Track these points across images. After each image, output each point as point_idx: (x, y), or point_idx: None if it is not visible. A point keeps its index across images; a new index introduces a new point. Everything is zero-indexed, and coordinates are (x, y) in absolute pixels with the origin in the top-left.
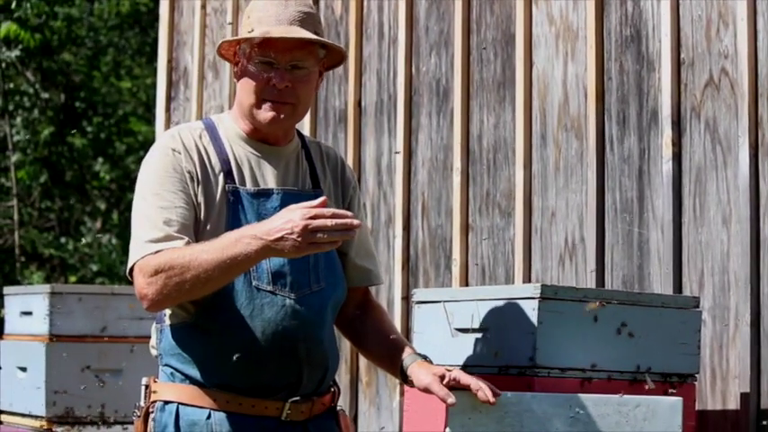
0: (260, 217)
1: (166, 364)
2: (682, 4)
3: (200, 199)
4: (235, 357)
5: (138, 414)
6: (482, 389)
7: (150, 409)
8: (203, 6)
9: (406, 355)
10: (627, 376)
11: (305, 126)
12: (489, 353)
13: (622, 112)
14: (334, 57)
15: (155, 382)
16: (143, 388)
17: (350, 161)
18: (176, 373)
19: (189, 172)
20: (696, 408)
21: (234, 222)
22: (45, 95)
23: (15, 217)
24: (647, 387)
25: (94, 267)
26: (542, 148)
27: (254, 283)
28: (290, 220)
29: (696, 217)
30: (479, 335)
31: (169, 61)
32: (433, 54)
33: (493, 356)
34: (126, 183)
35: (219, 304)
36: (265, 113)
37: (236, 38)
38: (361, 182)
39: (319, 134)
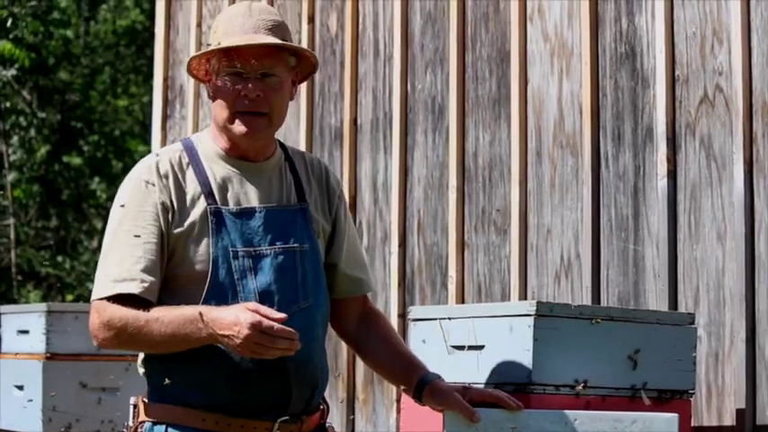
0: (244, 237)
1: (155, 384)
2: (676, 20)
3: (178, 228)
4: (223, 378)
5: None
6: (504, 400)
7: (139, 429)
8: (199, 24)
9: (422, 373)
10: (623, 393)
11: (301, 144)
12: (485, 370)
13: (617, 128)
14: (307, 66)
15: (143, 401)
16: (131, 407)
17: (345, 179)
18: (164, 393)
19: (162, 203)
20: (692, 424)
21: (218, 244)
22: (41, 115)
23: (12, 236)
24: (646, 404)
25: (91, 286)
26: (537, 165)
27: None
28: (238, 323)
29: (691, 234)
30: (476, 352)
31: (165, 79)
32: (428, 72)
33: (489, 374)
34: None
35: None
36: (239, 127)
37: (202, 51)
38: (356, 199)
39: (315, 152)
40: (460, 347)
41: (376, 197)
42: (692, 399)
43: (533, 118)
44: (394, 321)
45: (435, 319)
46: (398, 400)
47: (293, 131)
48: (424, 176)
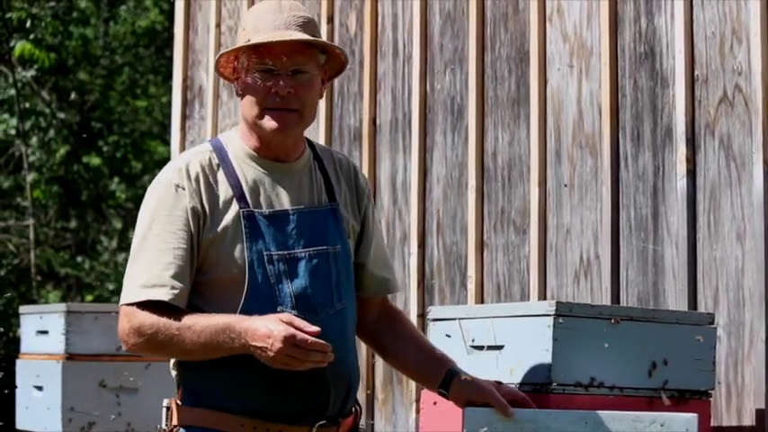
0: (278, 240)
1: (190, 388)
2: (695, 20)
3: (210, 234)
4: (263, 384)
5: None
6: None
7: None
8: (218, 25)
9: (451, 365)
10: (642, 393)
11: (320, 144)
12: (505, 370)
13: (637, 128)
14: (336, 65)
15: (177, 404)
16: (164, 410)
17: None
18: (201, 398)
19: (193, 209)
20: (711, 424)
21: (253, 248)
22: (61, 115)
23: (31, 236)
24: (665, 404)
25: (111, 286)
26: (557, 165)
27: (278, 309)
28: (272, 335)
29: (711, 233)
30: (495, 352)
31: (184, 80)
32: (447, 72)
33: (508, 374)
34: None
35: None
36: (270, 123)
37: (232, 48)
38: (376, 199)
39: None
40: (480, 347)
41: (395, 197)
42: (711, 399)
43: (552, 118)
44: (413, 321)
45: (455, 319)
46: (418, 401)
47: (312, 131)
48: (444, 176)
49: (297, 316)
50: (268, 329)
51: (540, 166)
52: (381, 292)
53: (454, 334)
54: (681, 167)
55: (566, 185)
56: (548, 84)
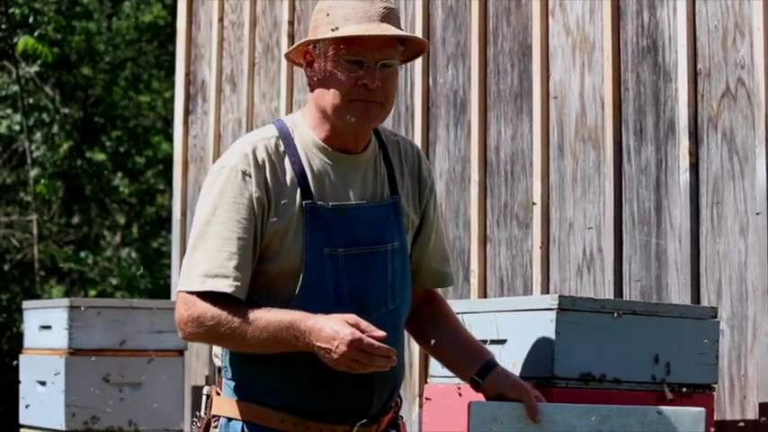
0: (338, 235)
1: (232, 379)
2: (698, 14)
3: (273, 224)
4: (310, 384)
5: (199, 425)
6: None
7: (213, 423)
8: (221, 20)
9: (489, 357)
10: (645, 387)
11: None
12: (508, 364)
13: (639, 122)
14: (408, 52)
15: (217, 394)
16: (204, 398)
17: None
18: (243, 390)
19: (259, 198)
20: (715, 418)
21: (313, 241)
22: (64, 110)
23: (35, 231)
24: (668, 398)
25: (114, 281)
26: (560, 159)
27: (332, 307)
28: (338, 337)
29: (714, 227)
30: (498, 346)
31: (187, 75)
32: (450, 66)
33: (511, 367)
34: (146, 197)
35: None
36: (355, 114)
37: (329, 36)
38: None
39: None
40: (483, 341)
41: None
42: (714, 392)
43: (555, 112)
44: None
45: (458, 313)
46: (421, 395)
47: None
48: (446, 170)
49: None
50: (334, 331)
51: (543, 160)
52: (436, 285)
53: None
54: (684, 161)
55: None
56: (550, 77)
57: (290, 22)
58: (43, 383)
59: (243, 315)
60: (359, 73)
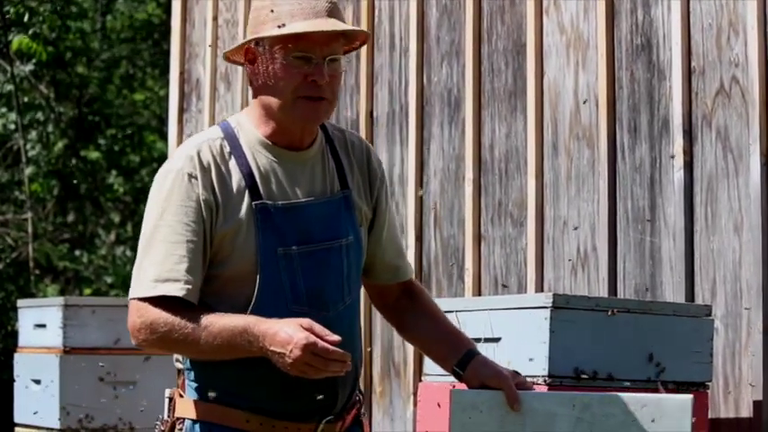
0: (290, 234)
1: (195, 380)
2: (692, 12)
3: (222, 226)
4: (273, 384)
5: (163, 428)
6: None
7: (177, 426)
8: (215, 18)
9: (471, 346)
10: (639, 384)
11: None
12: (502, 362)
13: (633, 120)
14: (348, 43)
15: (180, 396)
16: (166, 401)
17: None
18: (206, 391)
19: (206, 200)
20: (709, 416)
21: (266, 241)
22: (59, 109)
23: (30, 230)
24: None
25: (109, 280)
26: (554, 157)
27: (290, 307)
28: (291, 342)
29: (708, 225)
30: (492, 344)
31: (181, 73)
32: (444, 64)
33: (505, 365)
34: (141, 196)
35: None
36: (302, 112)
37: (274, 33)
38: None
39: None
40: (477, 340)
41: (392, 190)
42: (708, 391)
43: (549, 110)
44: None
45: (452, 311)
46: (415, 393)
47: None
48: (441, 169)
49: (309, 313)
50: (288, 335)
51: (537, 159)
52: (392, 280)
53: None
54: (678, 159)
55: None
56: (544, 76)
57: None
58: (38, 382)
59: (196, 321)
60: (307, 69)
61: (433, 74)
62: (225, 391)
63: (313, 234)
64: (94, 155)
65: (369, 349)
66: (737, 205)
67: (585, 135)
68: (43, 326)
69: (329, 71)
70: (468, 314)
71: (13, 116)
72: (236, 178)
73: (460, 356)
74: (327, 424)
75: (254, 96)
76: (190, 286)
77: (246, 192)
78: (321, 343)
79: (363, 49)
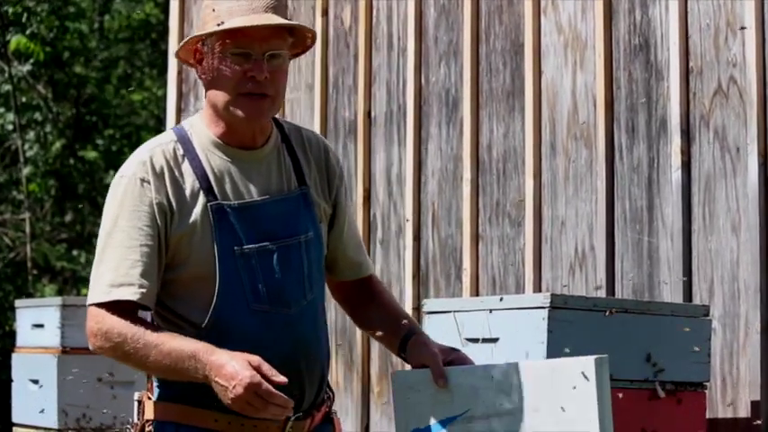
0: (248, 233)
1: (162, 382)
2: (690, 12)
3: (178, 230)
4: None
5: (133, 431)
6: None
7: (147, 428)
8: None
9: (411, 326)
10: (637, 385)
11: None
12: (500, 362)
13: (631, 120)
14: (299, 44)
15: (149, 398)
16: (136, 404)
17: (360, 172)
18: (174, 392)
19: (159, 204)
20: (707, 416)
21: (223, 242)
22: (56, 110)
23: (27, 230)
24: (660, 396)
25: None
26: (552, 157)
27: (251, 306)
28: (236, 378)
29: (706, 225)
30: (490, 345)
31: (179, 73)
32: (442, 64)
33: None
34: None
35: (220, 327)
36: (244, 109)
37: (209, 31)
38: (371, 192)
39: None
40: (475, 340)
41: (390, 190)
42: (706, 391)
43: (547, 110)
44: (408, 314)
45: (450, 311)
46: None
47: (307, 124)
48: (439, 169)
49: (271, 311)
50: (234, 371)
51: (535, 159)
52: (354, 276)
53: (449, 326)
54: (676, 159)
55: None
56: (542, 76)
57: None
58: (36, 382)
59: (149, 337)
60: (246, 66)
61: (431, 74)
62: (192, 390)
63: (271, 232)
64: (92, 155)
65: (340, 344)
66: (735, 205)
67: (583, 135)
68: (41, 326)
69: (270, 67)
70: (465, 314)
71: (10, 116)
72: (190, 180)
73: (401, 339)
74: (296, 422)
75: (206, 97)
76: (144, 290)
77: (201, 193)
78: (265, 385)
79: (361, 49)
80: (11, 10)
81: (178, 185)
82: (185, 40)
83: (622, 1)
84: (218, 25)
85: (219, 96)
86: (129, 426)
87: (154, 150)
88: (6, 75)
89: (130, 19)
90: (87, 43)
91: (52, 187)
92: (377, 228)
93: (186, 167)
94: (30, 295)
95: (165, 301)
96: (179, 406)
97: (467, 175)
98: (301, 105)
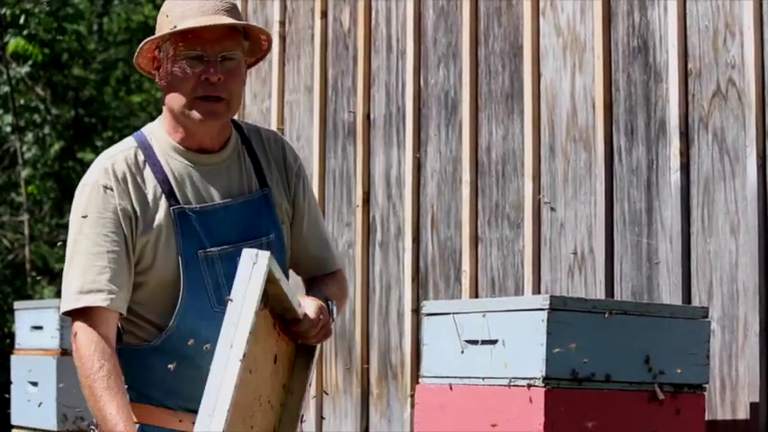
0: (211, 236)
1: (125, 384)
2: (688, 14)
3: (143, 235)
4: (201, 385)
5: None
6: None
7: None
8: None
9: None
10: (636, 387)
11: (314, 139)
12: (499, 364)
13: (630, 123)
14: (256, 51)
15: None
16: None
17: (359, 174)
18: (138, 393)
19: (123, 210)
20: (706, 418)
21: (187, 246)
22: (55, 112)
23: (26, 232)
24: (659, 398)
25: None
26: (551, 159)
27: (215, 308)
28: None
29: (704, 227)
30: (489, 346)
31: None
32: (441, 66)
33: (503, 367)
34: None
35: (183, 330)
36: (200, 112)
37: (159, 35)
38: (370, 195)
39: (328, 147)
40: (474, 342)
41: (389, 192)
42: (705, 393)
43: (546, 112)
44: (408, 316)
45: (449, 313)
46: (413, 396)
47: (306, 127)
48: (438, 171)
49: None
50: None
51: (534, 161)
52: (318, 272)
53: (448, 328)
54: (674, 161)
55: (547, 202)
56: (541, 78)
57: (281, 23)
58: (35, 384)
59: (96, 384)
60: (200, 68)
61: (429, 76)
62: (156, 392)
63: (233, 235)
64: (91, 157)
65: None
66: (734, 207)
67: (582, 137)
68: (40, 328)
69: (223, 69)
70: (465, 316)
71: (9, 118)
72: (152, 185)
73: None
74: None
75: (163, 103)
76: (113, 296)
77: (163, 198)
78: None
79: (360, 51)
80: (8, 12)
81: (140, 191)
82: (140, 46)
83: (621, 3)
84: (172, 29)
85: (175, 101)
86: (93, 427)
87: (115, 157)
88: (5, 76)
89: (129, 21)
90: (86, 45)
91: (51, 189)
92: (376, 230)
93: (148, 173)
94: (29, 297)
95: (133, 307)
96: (143, 406)
97: (466, 177)
98: (300, 107)
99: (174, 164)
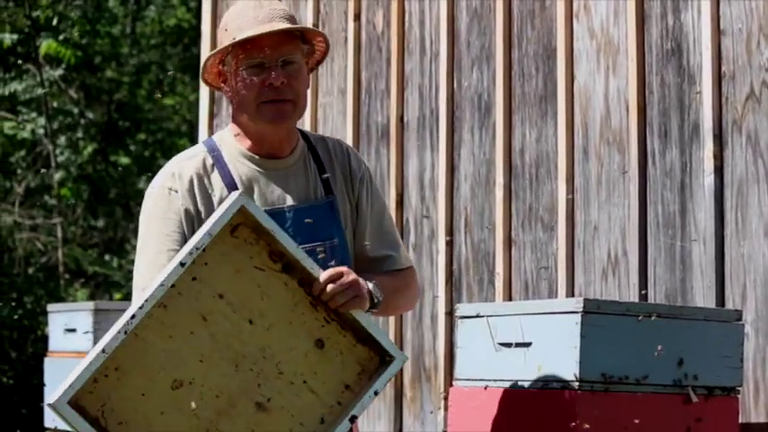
0: None
1: None
2: (722, 17)
3: None
4: None
5: None
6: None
7: None
8: None
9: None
10: (670, 389)
11: (348, 141)
12: (532, 367)
13: (664, 125)
14: (316, 54)
15: None
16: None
17: (393, 177)
18: None
19: (186, 211)
20: (740, 420)
21: None
22: (89, 115)
23: (59, 234)
24: (693, 401)
25: None
26: (584, 162)
27: None
28: None
29: (738, 230)
30: (523, 349)
31: None
32: (474, 69)
33: (536, 370)
34: None
35: None
36: (267, 114)
37: (219, 48)
38: (403, 197)
39: (362, 149)
40: (508, 344)
41: (423, 195)
42: (739, 396)
43: (580, 115)
44: (441, 319)
45: (483, 316)
46: (446, 398)
47: (340, 129)
48: (471, 174)
49: None
50: None
51: (568, 163)
52: (381, 270)
53: (482, 331)
54: (708, 164)
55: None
56: (575, 80)
57: (315, 26)
58: None
59: None
60: (263, 76)
61: (463, 78)
62: None
63: (297, 238)
64: (124, 160)
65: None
66: None
67: (616, 140)
68: (73, 330)
69: (285, 73)
70: (498, 319)
71: (42, 121)
72: (219, 188)
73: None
74: None
75: (233, 114)
76: None
77: None
78: None
79: (393, 54)
80: (42, 15)
81: (206, 193)
82: (203, 62)
83: (654, 6)
84: (233, 41)
85: (243, 109)
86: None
87: (183, 162)
88: (38, 79)
89: (163, 24)
90: (119, 48)
91: (84, 192)
92: (409, 232)
93: (215, 176)
94: (62, 300)
95: None
96: None
97: (499, 179)
98: (334, 110)
99: (242, 168)
